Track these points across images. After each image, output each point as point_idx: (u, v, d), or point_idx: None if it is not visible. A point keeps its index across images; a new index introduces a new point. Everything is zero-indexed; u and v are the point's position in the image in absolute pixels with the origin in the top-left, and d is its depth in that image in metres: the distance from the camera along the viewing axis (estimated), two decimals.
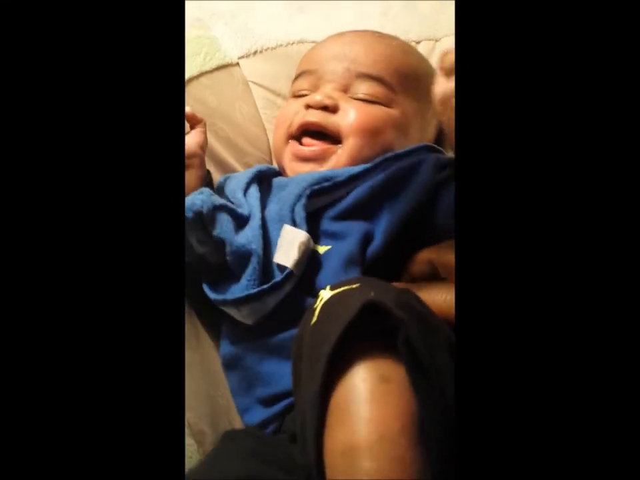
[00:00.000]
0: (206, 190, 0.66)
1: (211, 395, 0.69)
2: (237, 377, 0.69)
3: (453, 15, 0.93)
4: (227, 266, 0.66)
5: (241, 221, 0.66)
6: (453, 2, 0.94)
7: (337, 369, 0.46)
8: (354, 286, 0.50)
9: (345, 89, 0.73)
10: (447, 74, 0.53)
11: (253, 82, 0.89)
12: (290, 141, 0.74)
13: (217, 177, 0.80)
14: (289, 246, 0.63)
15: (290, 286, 0.63)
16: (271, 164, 0.86)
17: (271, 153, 0.87)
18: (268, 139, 0.88)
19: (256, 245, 0.63)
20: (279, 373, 0.64)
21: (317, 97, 0.71)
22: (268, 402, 0.65)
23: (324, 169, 0.71)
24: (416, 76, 0.76)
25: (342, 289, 0.50)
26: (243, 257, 0.64)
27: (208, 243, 0.65)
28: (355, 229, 0.65)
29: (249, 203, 0.67)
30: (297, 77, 0.78)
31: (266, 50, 0.90)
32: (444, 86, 0.53)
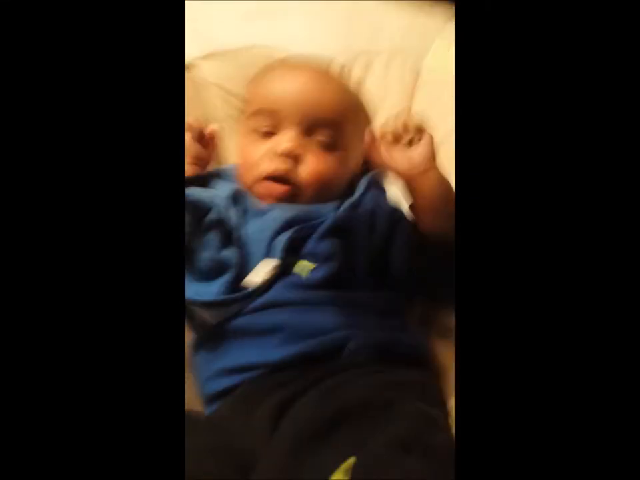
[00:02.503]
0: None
1: None
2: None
3: (390, 31, 1.05)
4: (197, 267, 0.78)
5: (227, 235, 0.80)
6: (390, 20, 1.07)
7: None
8: None
9: (305, 134, 0.84)
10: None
11: (209, 82, 0.97)
12: (262, 181, 0.85)
13: None
14: (263, 269, 0.77)
15: (251, 300, 0.76)
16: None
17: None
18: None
19: (235, 261, 0.77)
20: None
21: (286, 145, 0.83)
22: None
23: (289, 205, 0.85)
24: (354, 111, 0.89)
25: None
26: (222, 267, 0.77)
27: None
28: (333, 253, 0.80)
29: (233, 220, 0.81)
30: (255, 112, 0.87)
31: (220, 53, 0.98)
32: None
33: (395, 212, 0.84)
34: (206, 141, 0.89)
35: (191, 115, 0.92)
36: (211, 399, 0.76)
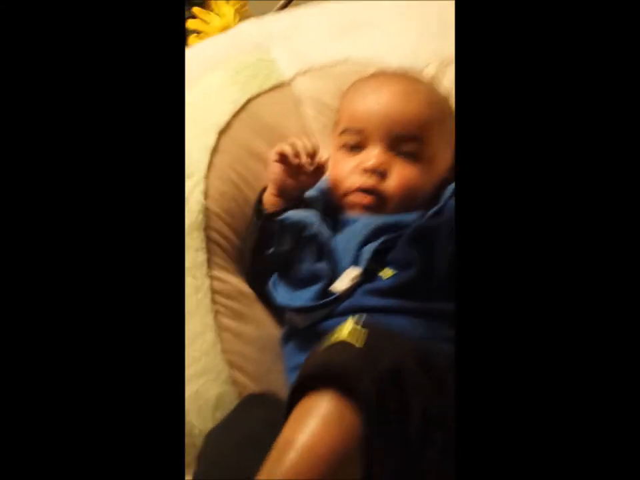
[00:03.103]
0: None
1: None
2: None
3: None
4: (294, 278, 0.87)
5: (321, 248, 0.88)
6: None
7: (312, 385, 0.64)
8: (357, 345, 0.67)
9: (390, 149, 0.90)
10: None
11: (305, 97, 1.03)
12: (349, 194, 0.91)
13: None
14: (347, 277, 0.84)
15: (336, 305, 0.83)
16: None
17: None
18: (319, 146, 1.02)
19: (325, 272, 0.85)
20: None
21: (371, 162, 0.89)
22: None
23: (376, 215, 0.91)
24: (441, 122, 0.94)
25: (348, 339, 0.68)
26: (315, 277, 0.85)
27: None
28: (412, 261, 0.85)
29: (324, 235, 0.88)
30: (343, 131, 0.94)
31: (316, 69, 1.04)
32: None
33: None
34: (313, 168, 0.92)
35: (289, 129, 1.00)
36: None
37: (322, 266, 0.86)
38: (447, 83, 1.06)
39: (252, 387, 0.88)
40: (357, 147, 0.92)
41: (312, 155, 0.89)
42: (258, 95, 0.99)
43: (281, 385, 0.87)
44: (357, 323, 0.71)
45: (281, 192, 0.90)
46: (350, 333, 0.69)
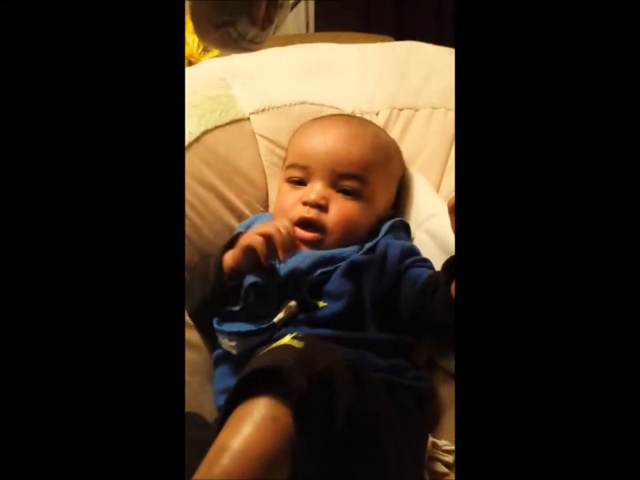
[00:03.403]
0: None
1: None
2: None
3: (436, 87, 1.13)
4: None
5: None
6: (438, 75, 1.14)
7: (247, 392, 0.68)
8: (297, 346, 0.72)
9: (331, 185, 0.96)
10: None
11: (259, 134, 1.09)
12: (295, 226, 0.94)
13: (217, 208, 1.02)
14: (284, 309, 0.89)
15: (269, 333, 0.87)
16: (267, 201, 1.08)
17: (267, 192, 1.08)
18: (266, 181, 1.08)
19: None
20: None
21: (312, 196, 0.95)
22: None
23: (317, 249, 0.95)
24: (383, 164, 1.00)
25: (290, 342, 0.73)
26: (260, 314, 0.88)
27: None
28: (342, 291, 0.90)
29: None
30: (290, 165, 1.00)
31: (273, 108, 1.10)
32: None
33: (406, 256, 0.93)
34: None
35: (242, 163, 1.06)
36: (218, 410, 0.89)
37: (269, 302, 0.90)
38: (398, 128, 1.12)
39: None
40: (301, 182, 0.97)
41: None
42: (214, 128, 1.05)
43: (207, 408, 0.91)
44: (294, 336, 0.76)
45: (248, 257, 0.89)
46: (290, 340, 0.74)
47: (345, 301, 0.89)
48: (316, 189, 0.95)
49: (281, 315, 0.88)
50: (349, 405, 0.68)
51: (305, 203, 0.95)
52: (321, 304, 0.90)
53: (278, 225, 0.87)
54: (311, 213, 0.94)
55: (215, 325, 0.91)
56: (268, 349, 0.75)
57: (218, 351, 0.93)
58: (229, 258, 0.90)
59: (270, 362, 0.69)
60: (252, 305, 0.90)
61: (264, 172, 1.08)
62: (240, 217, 1.04)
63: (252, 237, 0.87)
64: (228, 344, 0.89)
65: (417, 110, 1.13)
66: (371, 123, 1.07)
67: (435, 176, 1.09)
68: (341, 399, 0.68)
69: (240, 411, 0.68)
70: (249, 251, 0.87)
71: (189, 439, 0.77)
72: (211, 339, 0.95)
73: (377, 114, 1.13)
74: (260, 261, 0.87)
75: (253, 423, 0.66)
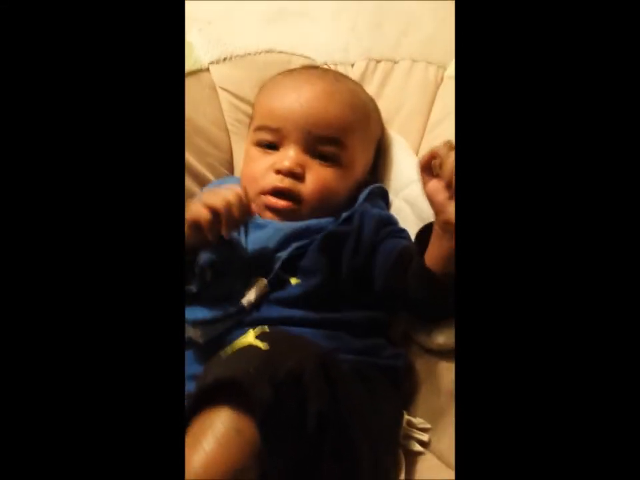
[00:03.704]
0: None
1: None
2: None
3: (416, 39, 1.02)
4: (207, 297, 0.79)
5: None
6: (418, 26, 1.03)
7: (209, 400, 0.61)
8: (262, 347, 0.65)
9: (308, 149, 0.85)
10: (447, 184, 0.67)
11: (220, 87, 0.97)
12: (262, 195, 0.85)
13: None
14: (255, 288, 0.79)
15: (238, 318, 0.77)
16: (232, 163, 0.96)
17: (231, 153, 0.96)
18: (230, 141, 0.96)
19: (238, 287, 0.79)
20: None
21: (286, 163, 0.83)
22: None
23: (290, 219, 0.85)
24: (363, 126, 0.89)
25: (254, 342, 0.66)
26: (228, 294, 0.79)
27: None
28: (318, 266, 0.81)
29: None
30: (259, 127, 0.87)
31: (235, 57, 0.98)
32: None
33: (382, 226, 0.84)
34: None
35: (202, 120, 0.94)
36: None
37: (233, 281, 0.80)
38: (376, 81, 1.01)
39: None
40: (272, 146, 0.86)
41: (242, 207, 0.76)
42: None
43: None
44: (259, 334, 0.68)
45: (195, 233, 0.76)
46: (254, 340, 0.67)
47: (320, 277, 0.80)
48: (290, 155, 0.84)
49: (251, 297, 0.78)
50: (320, 410, 0.62)
51: (278, 171, 0.84)
52: (294, 281, 0.80)
53: (227, 195, 0.74)
54: (285, 183, 0.83)
55: (186, 312, 0.80)
56: (230, 349, 0.68)
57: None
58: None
59: (231, 371, 0.62)
60: (212, 284, 0.80)
61: (227, 130, 0.97)
62: (202, 181, 0.92)
63: (197, 210, 0.74)
64: (193, 332, 0.79)
65: (395, 62, 1.02)
66: (347, 78, 0.96)
67: (414, 137, 0.99)
68: (311, 404, 0.61)
69: (202, 421, 0.60)
70: (195, 225, 0.74)
71: None
72: None
73: (352, 65, 1.02)
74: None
75: (215, 438, 0.59)
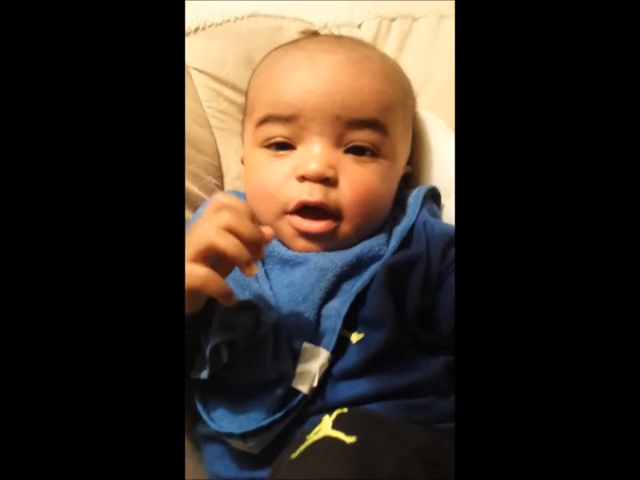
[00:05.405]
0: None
1: None
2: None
3: None
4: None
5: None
6: None
7: None
8: (348, 441, 0.48)
9: (337, 142, 0.62)
10: None
11: (194, 68, 0.73)
12: (286, 215, 0.63)
13: None
14: (308, 367, 0.58)
15: (300, 408, 0.58)
16: (220, 169, 0.73)
17: (218, 156, 0.73)
18: (214, 139, 0.73)
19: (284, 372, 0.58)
20: None
21: (313, 166, 0.61)
22: None
23: (331, 244, 0.63)
24: (402, 101, 0.67)
25: (333, 435, 0.49)
26: (265, 384, 0.59)
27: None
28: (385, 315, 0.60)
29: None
30: (264, 120, 0.64)
31: (210, 26, 0.74)
32: None
33: (449, 249, 0.62)
34: None
35: None
36: None
37: (263, 357, 0.59)
38: (391, 46, 0.80)
39: None
40: (286, 145, 0.63)
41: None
42: None
43: None
44: (336, 423, 0.50)
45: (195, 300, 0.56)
46: (335, 431, 0.49)
47: (387, 327, 0.58)
48: (315, 152, 0.61)
49: (314, 380, 0.57)
50: None
51: (302, 178, 0.61)
52: (355, 337, 0.59)
53: (233, 222, 0.52)
54: (316, 194, 0.61)
55: (204, 416, 0.59)
56: (304, 447, 0.49)
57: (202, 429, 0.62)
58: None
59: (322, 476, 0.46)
60: (234, 366, 0.58)
61: (209, 125, 0.73)
62: (187, 198, 0.68)
63: (192, 271, 0.51)
64: (242, 445, 0.58)
65: (415, 19, 0.80)
66: (365, 42, 0.73)
67: (447, 113, 0.77)
68: None
69: None
70: (193, 292, 0.52)
71: None
72: None
73: (359, 26, 0.80)
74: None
75: None
